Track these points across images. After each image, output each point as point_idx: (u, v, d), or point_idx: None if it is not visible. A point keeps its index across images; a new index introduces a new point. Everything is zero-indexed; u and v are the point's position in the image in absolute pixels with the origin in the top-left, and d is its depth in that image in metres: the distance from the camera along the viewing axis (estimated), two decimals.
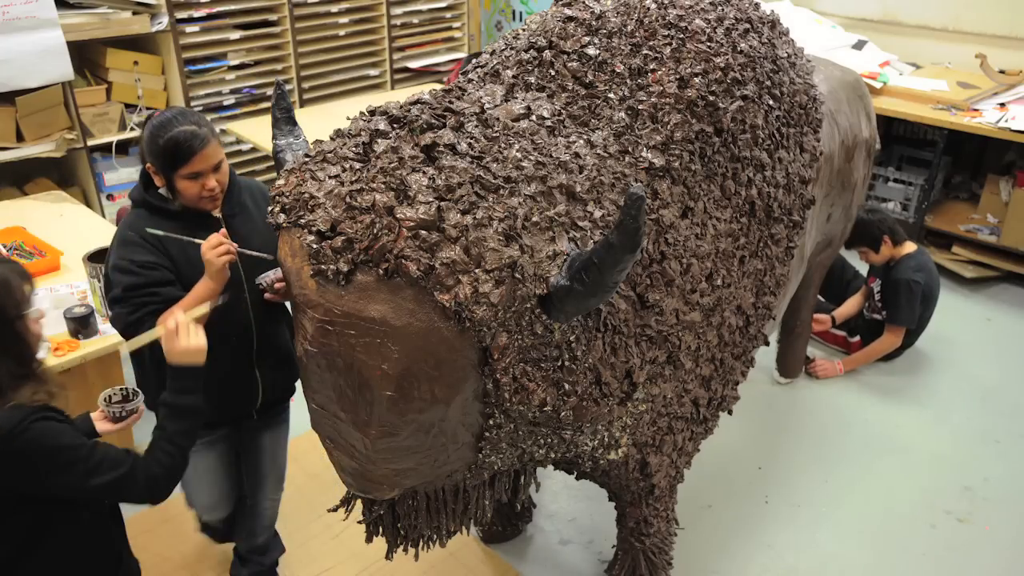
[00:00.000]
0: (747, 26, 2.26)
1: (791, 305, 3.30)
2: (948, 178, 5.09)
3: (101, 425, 1.93)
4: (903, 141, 5.06)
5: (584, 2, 2.17)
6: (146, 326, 1.94)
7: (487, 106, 1.82)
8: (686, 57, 2.04)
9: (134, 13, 4.39)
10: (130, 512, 2.39)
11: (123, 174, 4.66)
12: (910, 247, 3.76)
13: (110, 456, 1.67)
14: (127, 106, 4.61)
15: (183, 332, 1.79)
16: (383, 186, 1.54)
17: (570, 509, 2.98)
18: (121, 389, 1.96)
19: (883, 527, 2.93)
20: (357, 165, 1.61)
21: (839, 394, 3.66)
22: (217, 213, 2.15)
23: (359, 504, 1.99)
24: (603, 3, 2.17)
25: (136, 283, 2.02)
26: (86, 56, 4.53)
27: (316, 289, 1.54)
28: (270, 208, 1.65)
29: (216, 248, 1.96)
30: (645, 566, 2.44)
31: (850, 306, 4.00)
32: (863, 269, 4.08)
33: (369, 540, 2.05)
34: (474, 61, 2.15)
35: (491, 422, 1.72)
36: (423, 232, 1.48)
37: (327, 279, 1.51)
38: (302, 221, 1.56)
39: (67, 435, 1.64)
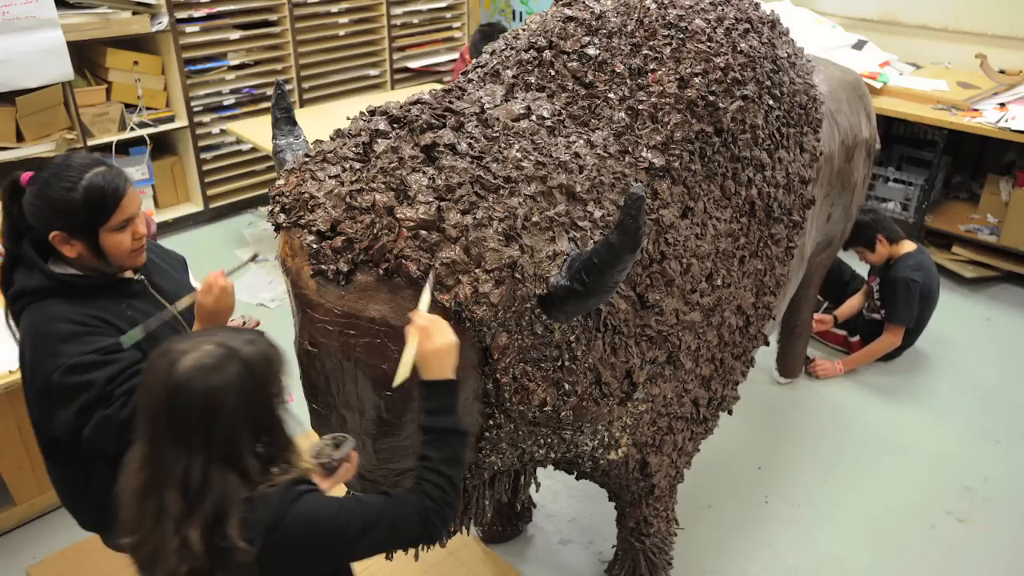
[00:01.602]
0: (747, 26, 2.26)
1: (791, 305, 3.30)
2: (948, 178, 5.08)
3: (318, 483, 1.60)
4: (903, 141, 5.06)
5: (584, 2, 2.17)
6: None
7: (487, 106, 1.83)
8: (686, 57, 2.04)
9: (134, 13, 4.39)
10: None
11: None
12: (909, 246, 3.76)
13: (368, 504, 1.40)
14: (127, 106, 4.61)
15: (436, 329, 1.40)
16: (383, 186, 1.54)
17: (570, 509, 2.98)
18: (331, 438, 1.64)
19: (883, 527, 2.93)
20: (357, 165, 1.61)
21: (839, 394, 3.66)
22: (132, 274, 1.84)
23: None
24: (603, 3, 2.17)
25: (114, 372, 1.66)
26: (86, 56, 4.53)
27: (316, 289, 1.54)
28: (270, 208, 1.65)
29: (213, 292, 1.73)
30: (645, 566, 2.44)
31: (852, 305, 4.00)
32: (862, 270, 4.08)
33: None
34: (475, 61, 2.15)
35: (491, 422, 1.72)
36: (423, 232, 1.48)
37: (327, 279, 1.51)
38: (302, 221, 1.56)
39: (324, 503, 1.36)
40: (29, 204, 1.69)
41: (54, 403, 1.67)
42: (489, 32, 4.27)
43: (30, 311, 1.71)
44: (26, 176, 1.72)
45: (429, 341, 1.39)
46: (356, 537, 1.34)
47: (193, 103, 4.81)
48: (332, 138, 1.75)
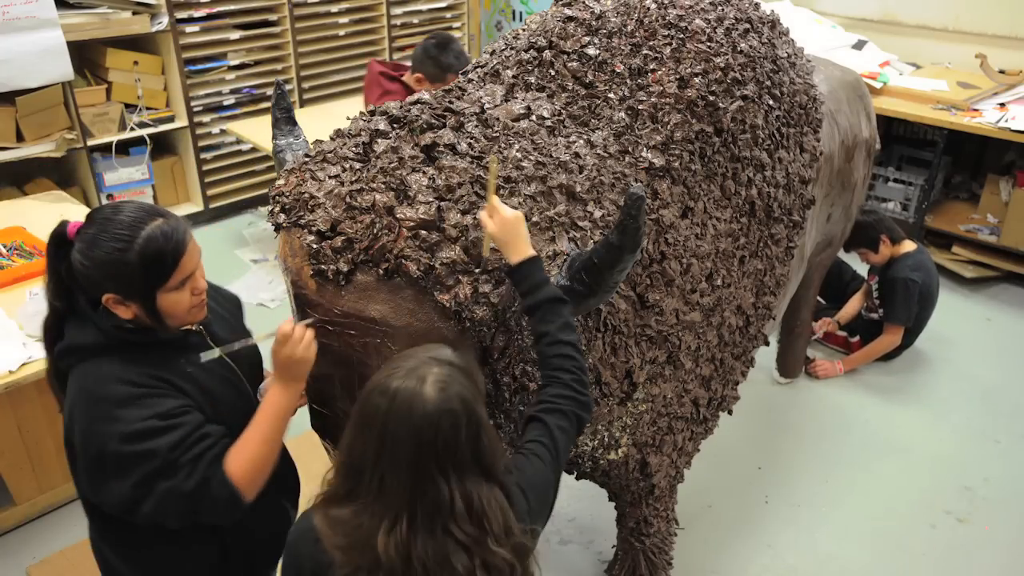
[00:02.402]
0: (747, 26, 2.26)
1: (791, 305, 3.30)
2: (948, 178, 5.08)
3: None
4: (903, 141, 5.06)
5: (584, 2, 2.17)
6: (216, 481, 1.47)
7: (487, 106, 1.83)
8: (686, 57, 2.04)
9: (134, 13, 4.39)
10: None
11: (123, 174, 4.67)
12: (909, 246, 3.76)
13: (544, 445, 1.38)
14: (127, 106, 4.61)
15: (506, 213, 1.45)
16: (383, 186, 1.54)
17: (570, 509, 2.98)
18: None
19: (883, 527, 2.93)
20: (357, 165, 1.61)
21: (839, 394, 3.66)
22: (190, 325, 1.65)
23: None
24: (603, 3, 2.17)
25: (178, 439, 1.47)
26: (86, 56, 4.53)
27: (316, 289, 1.54)
28: (271, 208, 1.65)
29: (302, 339, 1.51)
30: (645, 566, 2.44)
31: (853, 306, 4.00)
32: (863, 271, 4.08)
33: None
34: (475, 61, 2.15)
35: (491, 422, 1.72)
36: (423, 232, 1.48)
37: (327, 279, 1.51)
38: (302, 221, 1.56)
39: (525, 466, 1.35)
40: (79, 263, 1.48)
41: (108, 474, 1.47)
42: (437, 48, 3.32)
43: (81, 370, 1.52)
44: (73, 227, 1.52)
45: (504, 224, 1.44)
46: (556, 474, 1.37)
47: (193, 103, 4.81)
48: (332, 138, 1.75)
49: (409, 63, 3.37)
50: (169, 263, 1.49)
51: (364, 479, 1.18)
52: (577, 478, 2.26)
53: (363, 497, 1.18)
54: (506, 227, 1.45)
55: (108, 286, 1.49)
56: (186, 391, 1.55)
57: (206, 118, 4.92)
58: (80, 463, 1.51)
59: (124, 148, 4.67)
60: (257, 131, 4.51)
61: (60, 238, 1.53)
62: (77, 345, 1.53)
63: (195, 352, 1.57)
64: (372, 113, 1.78)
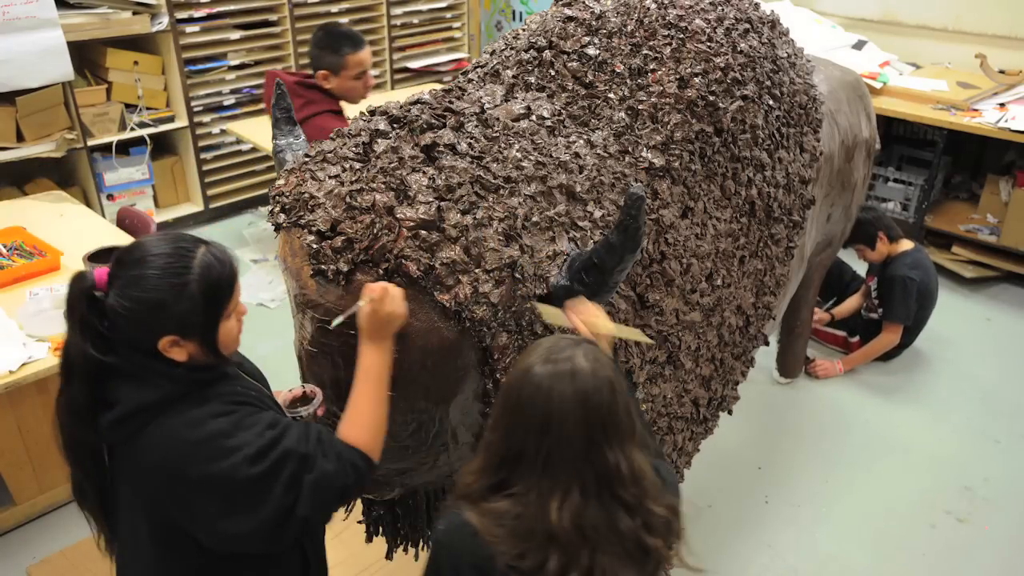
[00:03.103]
0: (747, 26, 2.26)
1: (791, 305, 3.30)
2: (948, 178, 5.08)
3: None
4: (903, 141, 5.06)
5: (584, 2, 2.17)
6: (349, 453, 1.44)
7: (487, 106, 1.83)
8: (686, 57, 2.04)
9: (134, 13, 4.39)
10: None
11: (123, 174, 4.66)
12: (907, 244, 3.76)
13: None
14: (127, 106, 4.61)
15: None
16: (383, 186, 1.54)
17: None
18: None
19: (883, 527, 2.93)
20: (357, 165, 1.61)
21: (839, 394, 3.66)
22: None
23: (359, 504, 1.99)
24: (603, 3, 2.17)
25: (296, 434, 1.42)
26: (86, 56, 4.53)
27: (316, 289, 1.54)
28: (271, 208, 1.65)
29: (398, 295, 1.47)
30: None
31: (850, 305, 4.00)
32: (863, 271, 4.08)
33: (369, 540, 2.05)
34: (475, 61, 2.15)
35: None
36: (423, 232, 1.48)
37: (327, 279, 1.51)
38: (302, 221, 1.56)
39: None
40: (124, 310, 1.34)
41: (251, 500, 1.37)
42: (326, 36, 3.13)
43: (160, 427, 1.37)
44: (100, 275, 1.36)
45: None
46: None
47: (193, 103, 4.80)
48: (332, 138, 1.75)
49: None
50: (227, 289, 1.41)
51: (524, 464, 1.23)
52: None
53: (522, 482, 1.23)
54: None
55: (166, 328, 1.35)
56: (251, 401, 1.48)
57: (206, 118, 4.92)
58: (211, 510, 1.36)
59: (124, 148, 4.67)
60: (257, 131, 4.51)
61: (89, 291, 1.35)
62: (144, 405, 1.36)
63: (234, 379, 1.48)
64: (372, 113, 1.78)
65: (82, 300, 1.34)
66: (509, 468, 1.25)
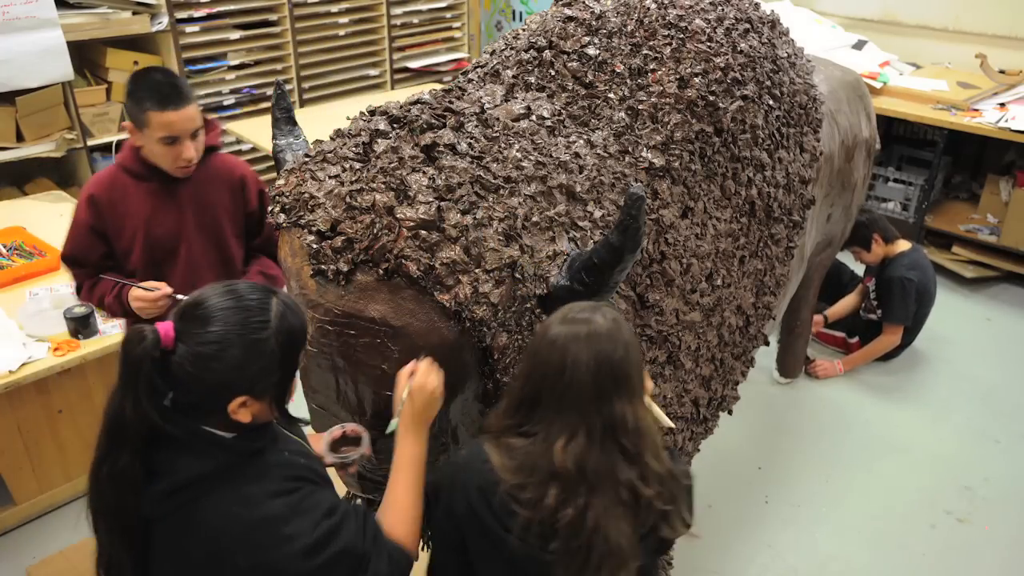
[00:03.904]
0: (747, 26, 2.26)
1: (791, 305, 3.30)
2: (948, 178, 5.08)
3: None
4: (903, 141, 5.06)
5: (584, 2, 2.17)
6: (395, 552, 1.38)
7: (487, 106, 1.82)
8: (686, 57, 2.04)
9: (134, 13, 4.39)
10: None
11: None
12: (904, 245, 3.76)
13: None
14: None
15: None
16: (383, 186, 1.54)
17: None
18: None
19: (883, 527, 2.93)
20: (357, 165, 1.61)
21: (839, 394, 3.66)
22: None
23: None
24: (603, 3, 2.17)
25: (353, 528, 1.35)
26: (86, 56, 4.53)
27: (316, 289, 1.54)
28: (270, 208, 1.65)
29: (437, 384, 1.48)
30: None
31: (844, 305, 4.00)
32: (861, 272, 4.08)
33: None
34: (475, 61, 2.15)
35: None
36: (423, 232, 1.48)
37: (327, 279, 1.51)
38: (302, 221, 1.56)
39: None
40: (198, 371, 1.24)
41: None
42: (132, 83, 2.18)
43: (211, 503, 1.25)
44: (168, 332, 1.23)
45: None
46: None
47: None
48: (332, 138, 1.74)
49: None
50: (303, 341, 1.33)
51: (540, 407, 1.34)
52: None
53: (537, 424, 1.34)
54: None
55: (241, 387, 1.25)
56: (308, 476, 1.37)
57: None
58: None
59: None
60: (257, 131, 4.51)
61: (153, 351, 1.21)
62: (197, 476, 1.25)
63: (284, 439, 1.39)
64: (372, 113, 1.78)
65: (147, 360, 1.20)
66: (527, 410, 1.36)
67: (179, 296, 1.99)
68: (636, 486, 1.32)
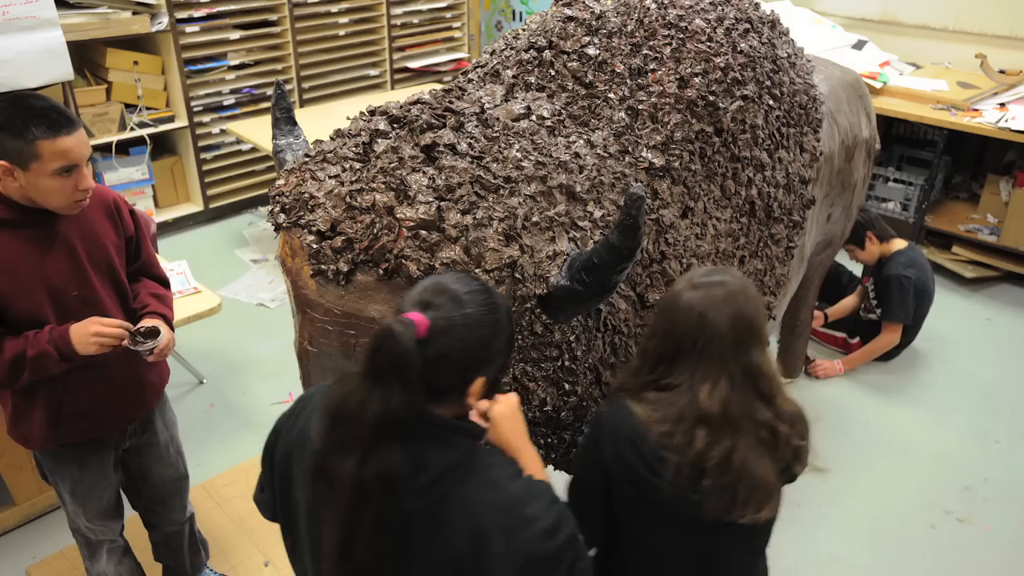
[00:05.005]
0: (747, 26, 2.26)
1: (791, 305, 3.30)
2: (948, 178, 5.08)
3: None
4: (903, 141, 5.06)
5: (584, 2, 2.17)
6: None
7: (487, 106, 1.83)
8: (686, 57, 2.04)
9: (134, 13, 4.39)
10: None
11: (123, 174, 4.67)
12: (900, 244, 3.76)
13: None
14: (127, 106, 4.61)
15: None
16: (383, 186, 1.54)
17: None
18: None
19: (883, 527, 2.93)
20: (357, 165, 1.61)
21: (839, 394, 3.66)
22: None
23: None
24: (603, 3, 2.17)
25: (573, 519, 1.33)
26: (86, 56, 4.53)
27: (316, 289, 1.54)
28: (270, 208, 1.65)
29: (513, 409, 1.46)
30: None
31: (845, 305, 4.00)
32: (860, 273, 4.08)
33: None
34: (475, 61, 2.15)
35: None
36: (423, 232, 1.48)
37: (327, 279, 1.51)
38: (302, 221, 1.56)
39: None
40: (457, 354, 1.23)
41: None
42: None
43: (466, 492, 1.24)
44: (423, 322, 1.20)
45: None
46: None
47: (193, 103, 4.81)
48: (332, 138, 1.75)
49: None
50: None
51: (680, 360, 1.47)
52: None
53: (678, 376, 1.47)
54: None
55: (485, 367, 1.27)
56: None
57: (206, 118, 4.92)
58: None
59: (124, 148, 4.67)
60: (257, 131, 4.51)
61: (415, 342, 1.17)
62: (450, 465, 1.24)
63: None
64: (372, 113, 1.78)
65: (412, 352, 1.16)
66: (666, 366, 1.49)
67: (142, 326, 1.93)
68: (774, 425, 1.47)
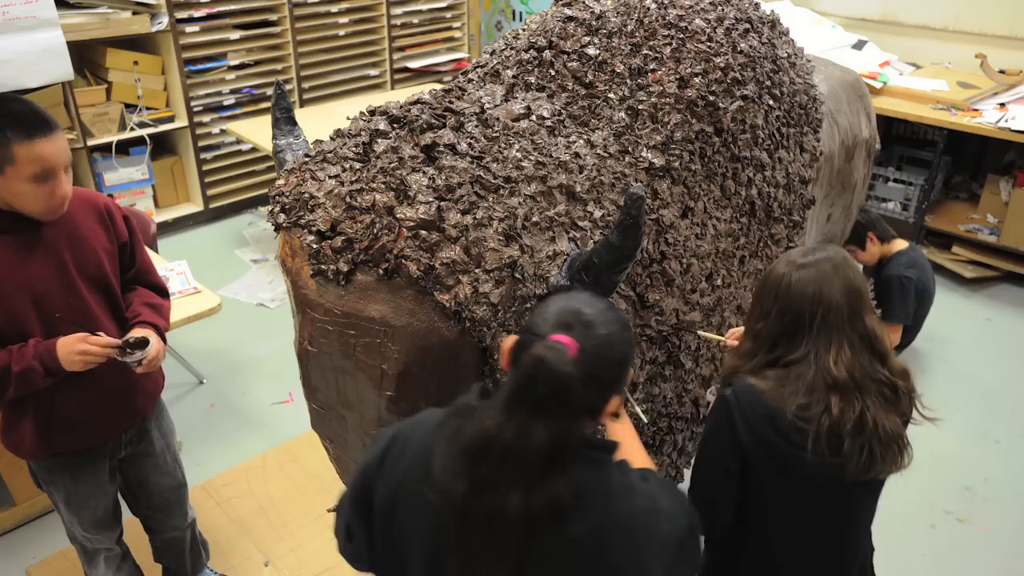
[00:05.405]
0: (747, 26, 2.26)
1: None
2: (948, 178, 5.08)
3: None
4: (903, 141, 5.06)
5: (584, 2, 2.17)
6: None
7: (487, 106, 1.83)
8: (686, 57, 2.04)
9: (134, 13, 4.39)
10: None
11: (123, 174, 4.67)
12: (900, 244, 3.76)
13: None
14: (127, 106, 4.61)
15: None
16: (383, 186, 1.54)
17: None
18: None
19: (883, 527, 2.92)
20: (357, 165, 1.61)
21: None
22: None
23: None
24: (603, 3, 2.17)
25: (682, 500, 1.36)
26: (86, 56, 4.53)
27: (316, 289, 1.54)
28: (271, 208, 1.65)
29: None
30: None
31: None
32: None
33: None
34: (475, 61, 2.15)
35: None
36: (423, 232, 1.48)
37: (327, 279, 1.51)
38: (302, 221, 1.56)
39: None
40: (604, 373, 1.23)
41: (692, 555, 1.32)
42: None
43: (608, 506, 1.23)
44: (573, 345, 1.18)
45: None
46: None
47: (193, 103, 4.80)
48: (332, 138, 1.75)
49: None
50: None
51: (799, 335, 1.55)
52: None
53: (801, 350, 1.54)
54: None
55: (622, 384, 1.29)
56: None
57: (206, 118, 4.92)
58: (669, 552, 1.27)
59: (124, 148, 4.67)
60: (257, 131, 4.51)
61: (566, 363, 1.13)
62: (599, 483, 1.24)
63: None
64: (372, 113, 1.78)
65: (576, 376, 1.13)
66: (787, 342, 1.56)
67: (131, 336, 1.85)
68: (893, 381, 1.58)
